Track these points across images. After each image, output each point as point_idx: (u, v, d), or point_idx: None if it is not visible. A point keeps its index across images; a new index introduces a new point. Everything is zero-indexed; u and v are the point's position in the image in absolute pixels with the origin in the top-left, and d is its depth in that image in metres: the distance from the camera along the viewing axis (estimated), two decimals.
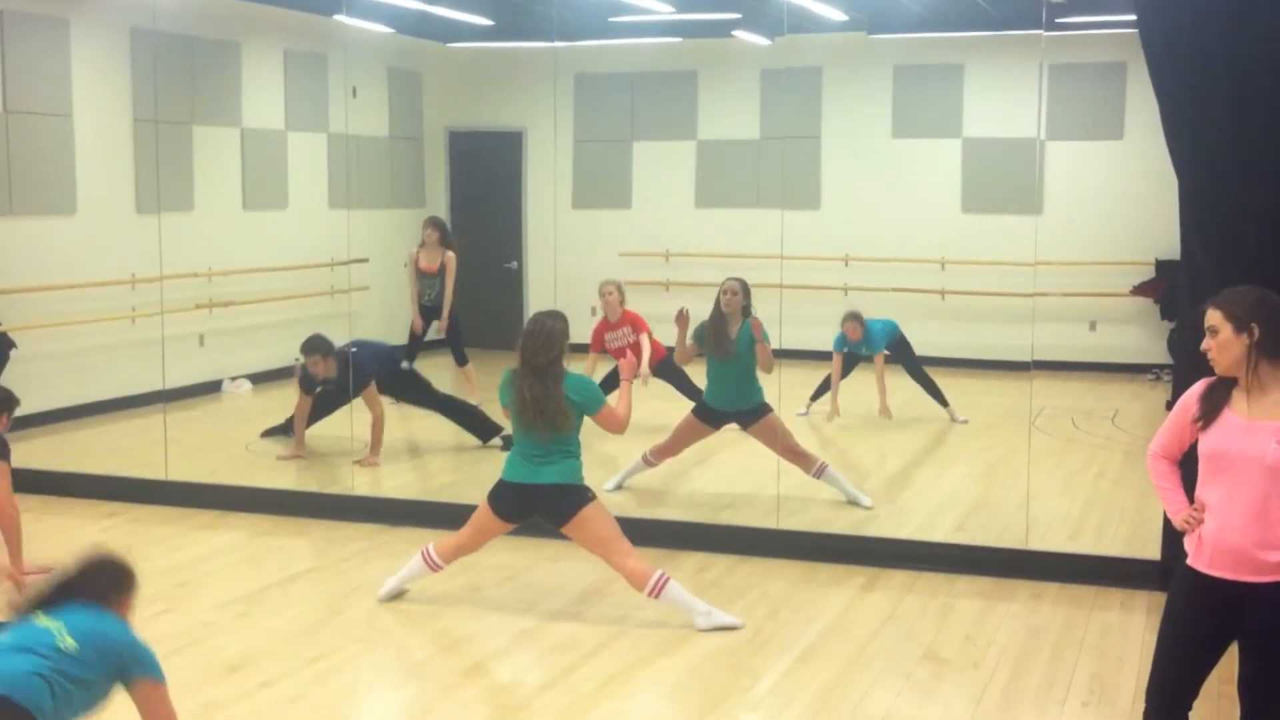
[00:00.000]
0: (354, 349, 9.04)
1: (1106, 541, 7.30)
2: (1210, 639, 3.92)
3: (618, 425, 6.07)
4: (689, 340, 7.89)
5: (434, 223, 10.98)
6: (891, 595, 6.45)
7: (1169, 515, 3.99)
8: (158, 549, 7.21)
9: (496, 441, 9.38)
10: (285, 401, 11.75)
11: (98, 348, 10.61)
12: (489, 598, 6.43)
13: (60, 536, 6.90)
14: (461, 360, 10.92)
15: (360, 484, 8.43)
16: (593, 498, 5.97)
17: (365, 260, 12.03)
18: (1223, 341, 3.82)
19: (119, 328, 10.65)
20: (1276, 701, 3.87)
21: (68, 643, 3.54)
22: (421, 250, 10.83)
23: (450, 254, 10.75)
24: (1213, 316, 3.85)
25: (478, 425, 9.59)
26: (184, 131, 11.46)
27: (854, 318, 10.18)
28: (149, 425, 9.19)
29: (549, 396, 5.83)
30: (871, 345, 10.18)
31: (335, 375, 8.97)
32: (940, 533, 7.44)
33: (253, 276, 11.88)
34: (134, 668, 3.66)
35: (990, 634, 5.91)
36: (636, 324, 9.57)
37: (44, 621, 3.60)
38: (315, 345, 8.98)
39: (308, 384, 9.14)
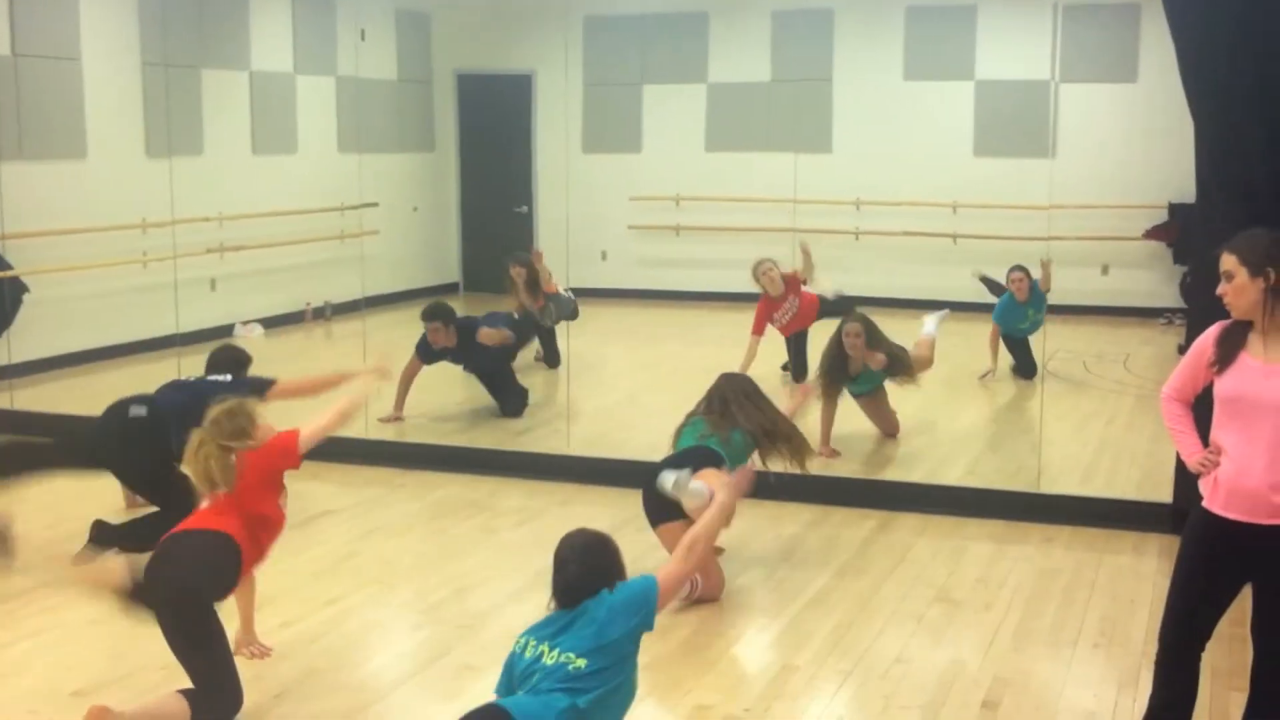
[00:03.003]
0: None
1: (1118, 485, 7.31)
2: (1224, 581, 3.93)
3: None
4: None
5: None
6: (904, 538, 6.49)
7: (1183, 458, 3.99)
8: None
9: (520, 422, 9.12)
10: (296, 345, 11.84)
11: (109, 292, 10.62)
12: (505, 540, 6.48)
13: (76, 483, 6.93)
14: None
15: (376, 428, 8.45)
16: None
17: (375, 205, 12.00)
18: (1238, 286, 3.81)
19: (131, 272, 10.65)
20: None
21: (578, 665, 3.55)
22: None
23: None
24: (1228, 261, 3.83)
25: (514, 400, 9.11)
26: (192, 75, 11.41)
27: (1020, 268, 9.85)
28: (162, 369, 9.17)
29: None
30: (1038, 306, 9.84)
31: (455, 345, 8.69)
32: (952, 476, 7.48)
33: (263, 221, 11.86)
34: (645, 627, 3.69)
35: (1002, 576, 5.94)
36: (795, 288, 9.50)
37: (548, 658, 3.59)
38: (435, 312, 8.65)
39: (426, 355, 8.77)
